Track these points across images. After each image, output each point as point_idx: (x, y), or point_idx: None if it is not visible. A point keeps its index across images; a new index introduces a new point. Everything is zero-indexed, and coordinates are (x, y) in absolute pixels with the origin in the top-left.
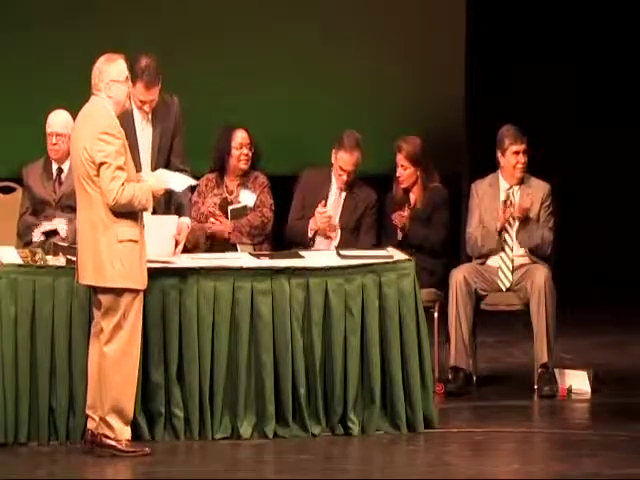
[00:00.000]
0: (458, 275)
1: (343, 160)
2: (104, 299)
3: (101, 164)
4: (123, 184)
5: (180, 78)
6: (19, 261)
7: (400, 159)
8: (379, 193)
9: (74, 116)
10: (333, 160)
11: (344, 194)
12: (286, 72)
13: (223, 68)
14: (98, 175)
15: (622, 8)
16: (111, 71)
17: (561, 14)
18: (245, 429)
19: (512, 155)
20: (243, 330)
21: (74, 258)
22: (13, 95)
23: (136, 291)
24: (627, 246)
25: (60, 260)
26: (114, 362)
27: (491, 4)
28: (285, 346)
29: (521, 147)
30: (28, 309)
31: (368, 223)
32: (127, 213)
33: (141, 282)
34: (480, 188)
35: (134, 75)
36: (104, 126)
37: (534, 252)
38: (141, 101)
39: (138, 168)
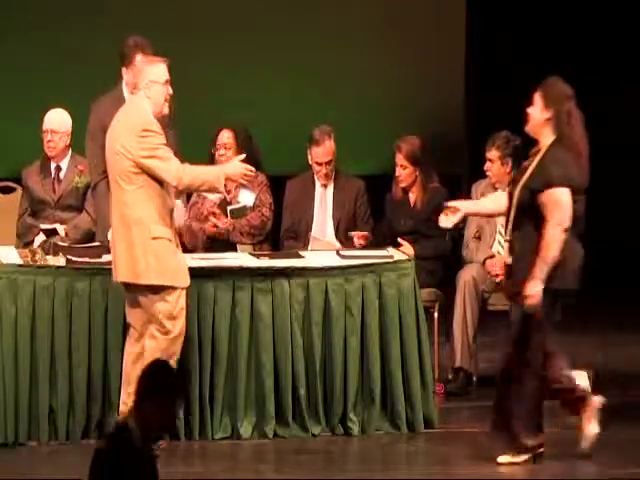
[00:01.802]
0: (467, 275)
1: (317, 154)
2: (143, 300)
3: (149, 157)
4: (183, 166)
5: (180, 78)
6: (19, 261)
7: (399, 159)
8: (379, 193)
9: (73, 116)
10: (310, 161)
11: (331, 190)
12: (286, 72)
13: (223, 68)
14: (140, 172)
15: (622, 9)
16: (151, 71)
17: (561, 14)
18: (245, 429)
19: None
20: (243, 330)
21: (74, 258)
22: (13, 95)
23: (177, 288)
24: (627, 246)
25: (60, 260)
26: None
27: (491, 4)
28: (285, 346)
29: (488, 154)
30: (28, 309)
31: (362, 212)
32: (159, 213)
33: (181, 279)
34: (479, 190)
35: (128, 55)
36: (144, 123)
37: None
38: None
39: None
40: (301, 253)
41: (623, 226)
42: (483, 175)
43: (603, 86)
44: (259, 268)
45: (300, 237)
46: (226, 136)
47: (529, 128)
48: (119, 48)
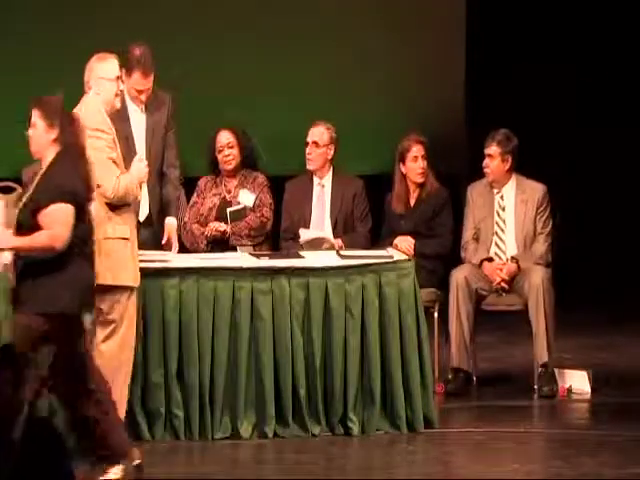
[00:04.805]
0: (459, 275)
1: (311, 134)
2: (98, 297)
3: (96, 159)
4: (118, 177)
5: (179, 77)
6: None
7: (420, 150)
8: (379, 193)
9: None
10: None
11: (329, 189)
12: (286, 72)
13: (223, 68)
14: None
15: (622, 8)
16: (101, 68)
17: (561, 14)
18: (245, 429)
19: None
20: (243, 330)
21: None
22: (13, 95)
23: (128, 288)
24: (627, 246)
25: None
26: (111, 362)
27: (491, 4)
28: (285, 346)
29: (488, 150)
30: None
31: (360, 210)
32: (120, 210)
33: (132, 279)
34: (475, 190)
35: (130, 65)
36: (93, 122)
37: None
38: (138, 90)
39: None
40: (301, 253)
41: (623, 225)
42: (482, 175)
43: (603, 86)
44: (259, 268)
45: (299, 237)
46: (226, 136)
47: (33, 153)
48: (126, 51)
